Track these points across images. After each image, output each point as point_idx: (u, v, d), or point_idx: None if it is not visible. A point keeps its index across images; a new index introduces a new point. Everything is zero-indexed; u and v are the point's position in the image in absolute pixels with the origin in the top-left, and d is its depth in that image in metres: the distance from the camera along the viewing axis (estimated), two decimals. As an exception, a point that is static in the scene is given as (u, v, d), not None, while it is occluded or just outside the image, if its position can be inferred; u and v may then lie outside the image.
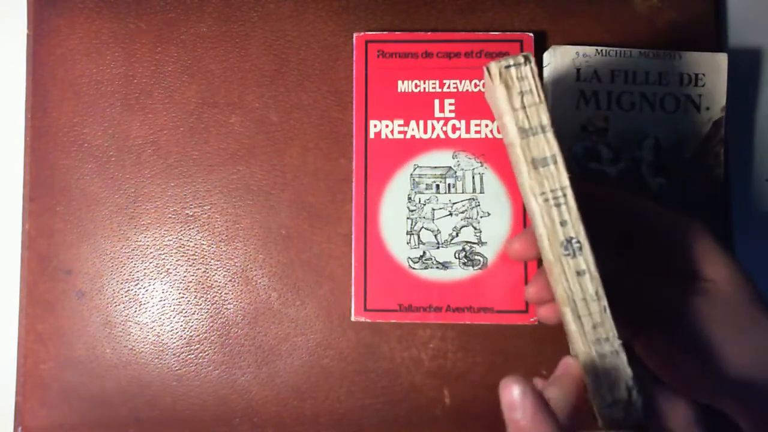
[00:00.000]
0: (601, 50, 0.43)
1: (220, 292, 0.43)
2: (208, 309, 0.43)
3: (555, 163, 0.29)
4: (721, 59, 0.43)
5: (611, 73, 0.43)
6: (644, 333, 0.36)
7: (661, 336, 0.35)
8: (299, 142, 0.44)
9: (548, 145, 0.29)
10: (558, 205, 0.29)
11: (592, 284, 0.29)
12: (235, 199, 0.44)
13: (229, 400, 0.43)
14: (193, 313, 0.43)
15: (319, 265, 0.43)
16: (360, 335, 0.43)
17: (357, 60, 0.43)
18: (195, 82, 0.44)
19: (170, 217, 0.43)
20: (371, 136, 0.43)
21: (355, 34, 0.43)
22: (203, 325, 0.43)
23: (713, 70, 0.43)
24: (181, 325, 0.43)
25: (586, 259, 0.29)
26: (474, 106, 0.43)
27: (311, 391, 0.43)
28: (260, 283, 0.43)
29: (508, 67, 0.29)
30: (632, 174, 0.43)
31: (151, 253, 0.43)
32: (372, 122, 0.43)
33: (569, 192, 0.29)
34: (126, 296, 0.43)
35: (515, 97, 0.29)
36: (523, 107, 0.29)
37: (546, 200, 0.29)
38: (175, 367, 0.43)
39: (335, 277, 0.43)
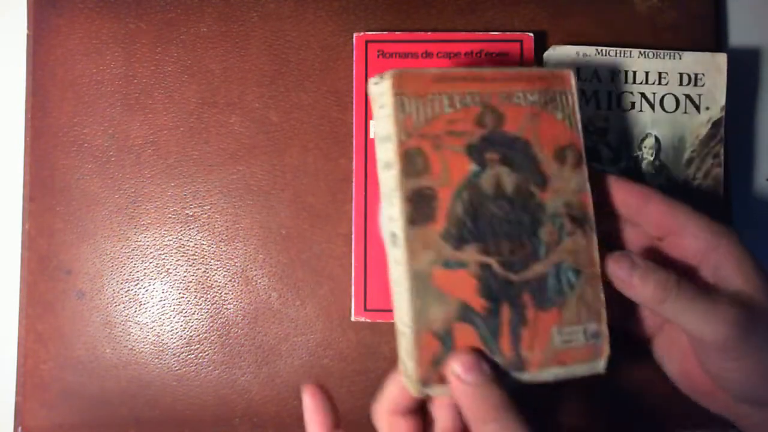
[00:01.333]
0: (601, 50, 0.43)
1: (220, 292, 0.43)
2: (208, 309, 0.43)
3: (390, 169, 0.33)
4: (721, 59, 0.43)
5: (611, 73, 0.43)
6: (666, 333, 0.36)
7: (683, 339, 0.35)
8: (299, 142, 0.44)
9: (388, 153, 0.33)
10: (391, 205, 0.33)
11: (403, 273, 0.33)
12: (235, 199, 0.44)
13: (229, 400, 0.43)
14: (193, 313, 0.43)
15: (319, 265, 0.43)
16: (360, 335, 0.43)
17: (357, 60, 0.43)
18: (195, 82, 0.44)
19: (170, 217, 0.43)
20: (371, 136, 0.43)
21: (355, 34, 0.43)
22: (203, 325, 0.43)
23: (713, 70, 0.43)
24: (181, 325, 0.43)
25: (400, 252, 0.33)
26: (474, 106, 0.43)
27: (311, 391, 0.43)
28: (260, 283, 0.43)
29: (375, 83, 0.34)
30: (632, 174, 0.43)
31: (151, 253, 0.43)
32: (372, 122, 0.43)
33: (397, 195, 0.33)
34: (126, 296, 0.43)
35: (376, 108, 0.34)
36: (380, 117, 0.34)
37: (389, 199, 0.33)
38: (175, 367, 0.43)
39: (335, 277, 0.43)
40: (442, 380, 0.32)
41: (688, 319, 0.32)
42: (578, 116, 0.36)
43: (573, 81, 0.36)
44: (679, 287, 0.33)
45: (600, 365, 0.35)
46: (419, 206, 0.33)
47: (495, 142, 0.35)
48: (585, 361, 0.34)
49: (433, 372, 0.32)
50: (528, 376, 0.34)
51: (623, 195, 0.36)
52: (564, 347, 0.34)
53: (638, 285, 0.33)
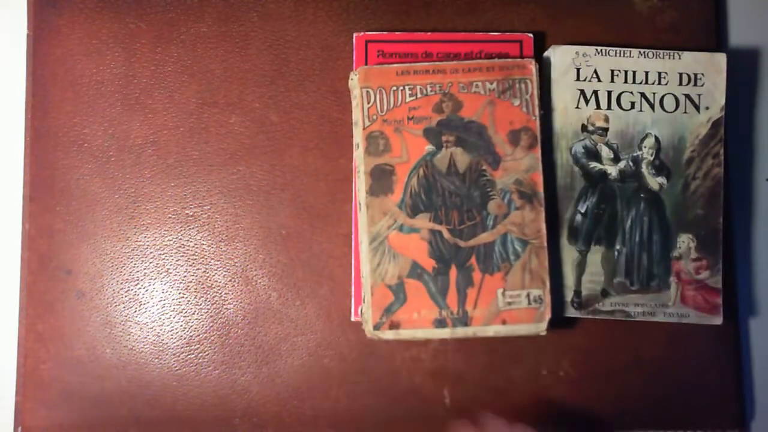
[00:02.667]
0: (601, 50, 0.43)
1: (220, 292, 0.43)
2: (208, 309, 0.43)
3: (358, 148, 0.40)
4: (720, 59, 0.43)
5: (611, 73, 0.43)
6: None
7: None
8: (299, 142, 0.44)
9: (357, 136, 0.41)
10: (358, 179, 0.40)
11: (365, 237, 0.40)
12: (235, 199, 0.44)
13: (229, 400, 0.43)
14: (193, 313, 0.43)
15: (319, 265, 0.43)
16: (360, 335, 0.43)
17: (357, 60, 0.43)
18: (195, 82, 0.44)
19: (170, 217, 0.43)
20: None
21: (355, 34, 0.43)
22: (203, 325, 0.43)
23: (712, 70, 0.43)
24: (181, 325, 0.43)
25: (362, 217, 0.40)
26: (474, 106, 0.43)
27: (311, 391, 0.43)
28: (260, 283, 0.43)
29: (351, 79, 0.41)
30: (632, 173, 0.43)
31: (151, 253, 0.43)
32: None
33: (362, 169, 0.40)
34: (126, 296, 0.43)
35: (352, 99, 0.41)
36: (353, 106, 0.41)
37: (358, 173, 0.41)
38: (175, 367, 0.43)
39: (335, 277, 0.43)
40: (391, 326, 0.39)
41: None
42: (536, 102, 0.41)
43: (534, 69, 0.41)
44: None
45: (542, 327, 0.40)
46: (379, 180, 0.40)
47: (451, 126, 0.41)
48: (527, 323, 0.40)
49: (385, 318, 0.39)
50: (472, 330, 0.39)
51: None
52: (507, 308, 0.39)
53: None
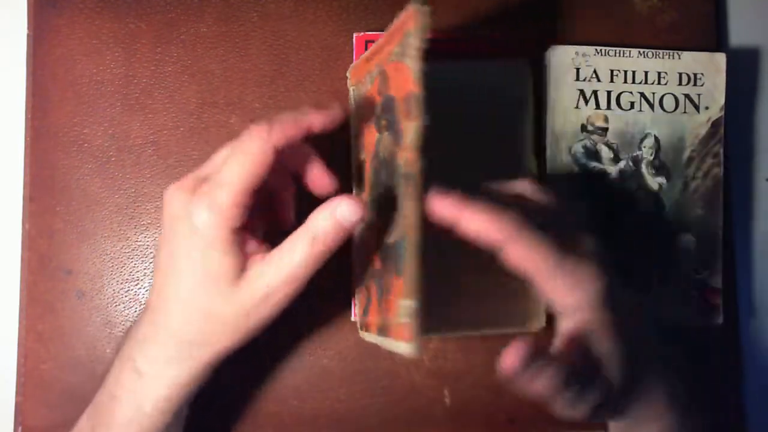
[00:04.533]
0: (601, 50, 0.43)
1: (220, 292, 0.43)
2: (208, 309, 0.43)
3: (356, 137, 0.39)
4: (720, 59, 0.43)
5: (611, 73, 0.43)
6: None
7: None
8: (299, 142, 0.44)
9: (352, 130, 0.40)
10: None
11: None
12: (235, 199, 0.43)
13: (230, 400, 0.43)
14: (193, 313, 0.43)
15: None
16: (360, 335, 0.43)
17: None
18: (195, 82, 0.44)
19: (170, 217, 0.43)
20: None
21: (355, 34, 0.43)
22: (203, 325, 0.43)
23: (712, 69, 0.43)
24: (181, 325, 0.43)
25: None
26: (474, 106, 0.43)
27: (311, 391, 0.43)
28: (260, 283, 0.43)
29: (347, 78, 0.41)
30: (632, 173, 0.43)
31: (151, 253, 0.43)
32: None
33: (353, 167, 0.40)
34: (126, 296, 0.43)
35: (349, 99, 0.41)
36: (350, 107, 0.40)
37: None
38: (175, 367, 0.43)
39: (335, 277, 0.43)
40: (367, 328, 0.37)
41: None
42: (419, 61, 0.29)
43: (416, 18, 0.29)
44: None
45: (410, 348, 0.29)
46: (358, 176, 0.39)
47: (385, 107, 0.33)
48: (399, 339, 0.30)
49: (362, 319, 0.38)
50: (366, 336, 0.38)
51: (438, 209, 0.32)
52: (396, 320, 0.30)
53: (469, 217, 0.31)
